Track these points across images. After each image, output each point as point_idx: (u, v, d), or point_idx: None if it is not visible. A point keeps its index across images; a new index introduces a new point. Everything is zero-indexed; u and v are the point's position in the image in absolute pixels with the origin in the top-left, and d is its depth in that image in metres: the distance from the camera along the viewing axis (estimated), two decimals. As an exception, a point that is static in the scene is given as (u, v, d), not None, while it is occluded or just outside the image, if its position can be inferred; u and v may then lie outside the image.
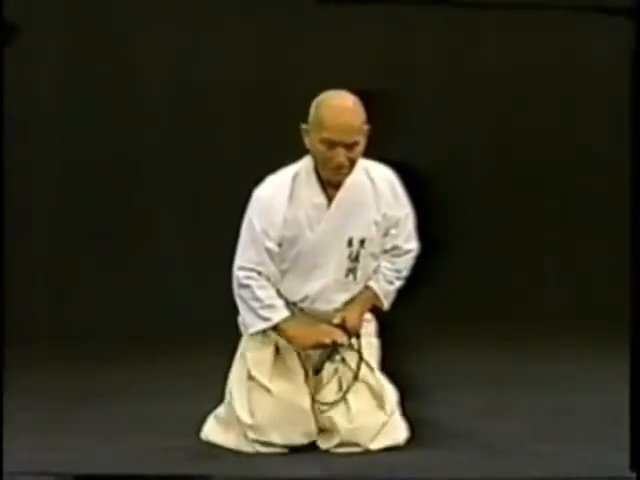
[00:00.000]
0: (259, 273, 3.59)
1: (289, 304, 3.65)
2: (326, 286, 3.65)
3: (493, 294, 6.48)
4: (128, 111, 6.38)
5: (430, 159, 6.32)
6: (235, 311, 3.69)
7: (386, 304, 3.78)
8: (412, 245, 3.77)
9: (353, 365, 3.65)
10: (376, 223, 3.64)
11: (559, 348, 5.56)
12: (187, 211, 6.48)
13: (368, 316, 3.78)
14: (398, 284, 3.78)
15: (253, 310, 3.60)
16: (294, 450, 3.59)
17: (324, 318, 3.66)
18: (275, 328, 3.61)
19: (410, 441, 3.66)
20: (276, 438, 3.58)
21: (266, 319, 3.60)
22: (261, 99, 6.42)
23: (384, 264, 3.73)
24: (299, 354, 3.67)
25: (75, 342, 5.89)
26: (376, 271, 3.73)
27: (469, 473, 3.38)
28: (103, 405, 4.44)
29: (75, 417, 4.25)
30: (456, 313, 6.23)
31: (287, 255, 3.62)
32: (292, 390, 3.62)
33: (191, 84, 6.44)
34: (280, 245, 3.59)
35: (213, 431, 3.74)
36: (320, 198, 3.61)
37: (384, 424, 3.61)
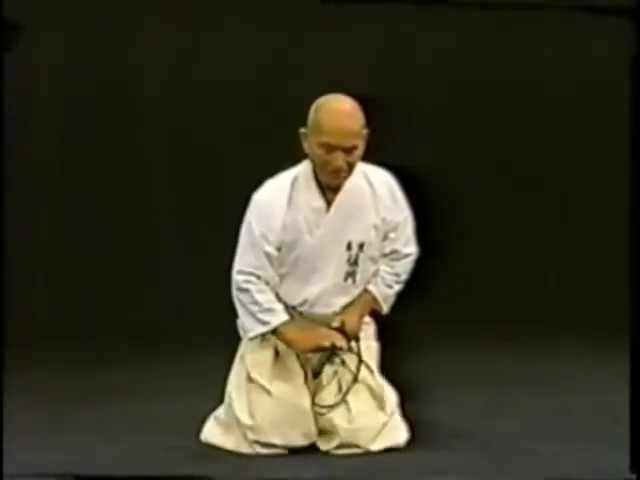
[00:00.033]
0: (258, 277, 3.59)
1: (288, 308, 3.65)
2: (325, 290, 3.65)
3: (493, 294, 6.49)
4: (128, 111, 6.38)
5: (430, 159, 6.33)
6: (235, 312, 3.69)
7: (385, 308, 3.77)
8: (411, 249, 3.77)
9: (353, 367, 3.65)
10: (375, 227, 3.64)
11: (559, 348, 5.56)
12: (187, 211, 6.48)
13: (367, 319, 3.78)
14: (397, 288, 3.78)
15: (252, 314, 3.60)
16: (294, 452, 3.58)
17: (323, 322, 3.66)
18: (274, 332, 3.61)
19: (410, 442, 3.65)
20: (276, 439, 3.58)
21: (265, 323, 3.60)
22: (261, 99, 6.42)
23: (383, 268, 3.73)
24: (299, 356, 3.67)
25: (75, 342, 5.89)
26: (375, 275, 3.72)
27: (469, 473, 3.37)
28: (103, 405, 4.45)
29: (75, 417, 4.25)
30: (456, 313, 6.24)
31: (286, 259, 3.61)
32: (292, 392, 3.62)
33: (191, 84, 6.44)
34: (279, 249, 3.59)
35: (213, 433, 3.74)
36: (319, 202, 3.61)
37: (384, 425, 3.60)
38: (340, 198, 3.61)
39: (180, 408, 4.22)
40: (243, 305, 3.61)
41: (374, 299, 3.74)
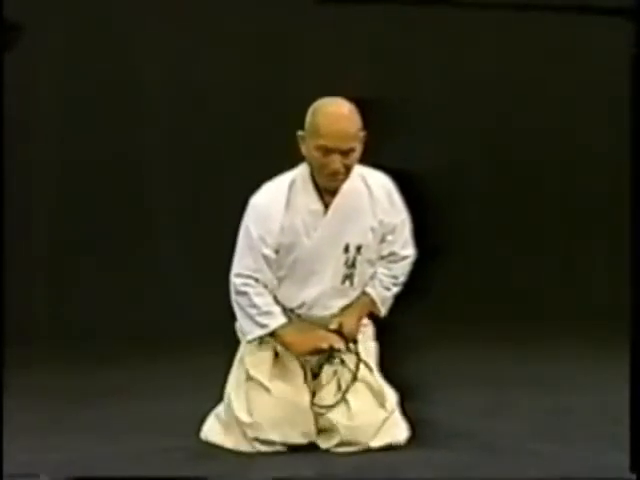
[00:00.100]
0: (256, 280, 3.59)
1: (286, 310, 3.65)
2: (323, 292, 3.66)
3: (493, 294, 6.48)
4: (128, 111, 6.38)
5: (430, 159, 6.33)
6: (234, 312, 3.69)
7: (383, 310, 3.78)
8: (409, 251, 3.77)
9: (352, 366, 3.65)
10: (372, 229, 3.65)
11: (559, 348, 5.56)
12: (187, 211, 6.48)
13: (365, 320, 3.79)
14: (395, 290, 3.78)
15: (250, 317, 3.60)
16: (294, 450, 3.59)
17: (321, 324, 3.67)
18: (272, 334, 3.62)
19: (410, 441, 3.66)
20: (275, 437, 3.58)
21: (263, 326, 3.60)
22: (261, 99, 6.42)
23: (381, 270, 3.73)
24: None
25: (75, 342, 5.89)
26: (373, 277, 3.73)
27: (469, 473, 3.37)
28: (103, 405, 4.44)
29: (75, 417, 4.25)
30: (456, 313, 6.23)
31: (284, 262, 3.62)
32: (291, 391, 3.62)
33: (191, 84, 6.44)
34: (277, 252, 3.60)
35: (213, 431, 3.74)
36: (317, 205, 3.61)
37: (384, 420, 3.60)
38: (338, 201, 3.62)
39: (180, 408, 4.22)
40: (241, 308, 3.62)
41: (372, 301, 3.74)
